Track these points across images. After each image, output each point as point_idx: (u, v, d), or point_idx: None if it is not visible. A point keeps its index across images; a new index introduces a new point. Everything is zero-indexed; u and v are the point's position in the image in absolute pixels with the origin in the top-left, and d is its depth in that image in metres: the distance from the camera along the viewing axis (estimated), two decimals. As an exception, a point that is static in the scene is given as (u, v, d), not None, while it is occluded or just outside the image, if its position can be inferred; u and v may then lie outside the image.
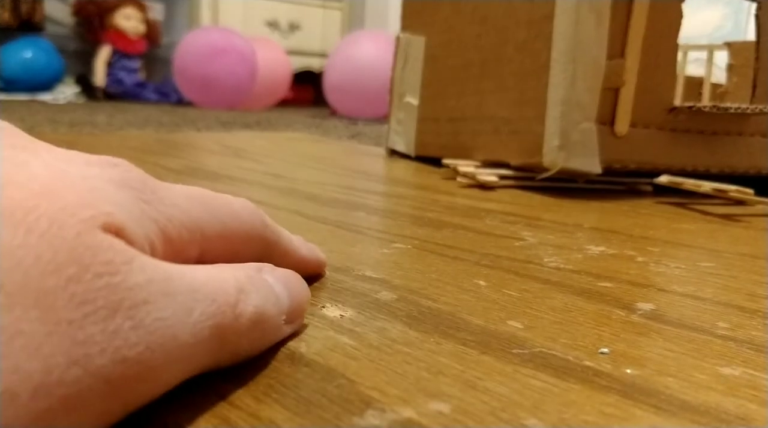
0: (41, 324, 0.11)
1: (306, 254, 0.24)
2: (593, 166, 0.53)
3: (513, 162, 0.58)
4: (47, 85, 2.17)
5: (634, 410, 0.15)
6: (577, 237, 0.35)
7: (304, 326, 0.20)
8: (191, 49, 2.00)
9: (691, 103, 0.57)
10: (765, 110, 0.58)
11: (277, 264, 0.19)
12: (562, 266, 0.29)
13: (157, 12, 2.53)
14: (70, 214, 0.12)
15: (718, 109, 0.56)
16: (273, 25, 2.60)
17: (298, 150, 0.81)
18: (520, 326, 0.21)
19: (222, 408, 0.14)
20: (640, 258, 0.31)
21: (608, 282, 0.26)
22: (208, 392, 0.15)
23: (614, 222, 0.41)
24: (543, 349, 0.19)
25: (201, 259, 0.17)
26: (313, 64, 2.65)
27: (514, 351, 0.18)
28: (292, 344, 0.18)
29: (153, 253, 0.14)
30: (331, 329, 0.20)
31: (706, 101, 0.71)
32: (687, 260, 0.31)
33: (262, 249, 0.20)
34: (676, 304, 0.24)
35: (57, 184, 0.12)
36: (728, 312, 0.23)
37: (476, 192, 0.52)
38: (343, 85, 1.94)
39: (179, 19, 2.57)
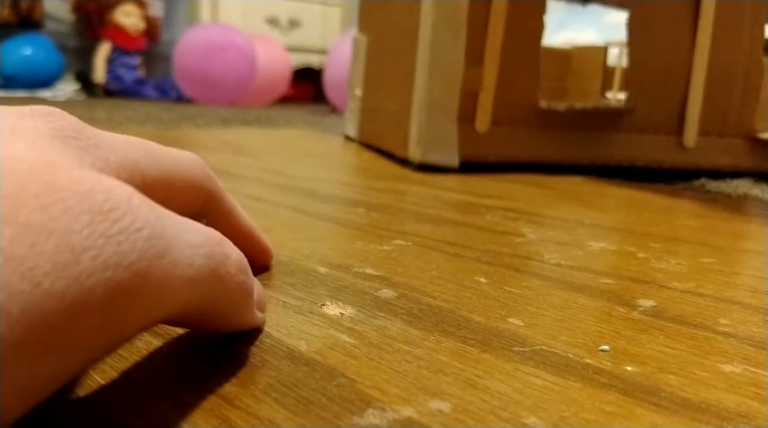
0: (20, 236, 0.10)
1: (249, 226, 0.22)
2: (451, 160, 0.61)
3: (396, 153, 0.66)
4: (47, 82, 2.16)
5: (635, 408, 0.15)
6: (578, 234, 0.35)
7: (304, 324, 0.20)
8: (191, 46, 2.00)
9: (550, 106, 0.64)
10: (621, 107, 0.65)
11: (221, 224, 0.19)
12: (562, 263, 0.29)
13: (156, 9, 2.52)
14: (10, 170, 0.12)
15: (572, 109, 0.64)
16: (273, 21, 2.59)
17: (297, 147, 0.81)
18: (521, 323, 0.21)
19: (222, 408, 0.14)
20: (641, 255, 0.31)
21: (609, 279, 0.26)
22: (208, 392, 0.15)
23: (615, 219, 0.40)
24: (543, 347, 0.19)
25: None
26: (313, 60, 2.65)
27: (514, 349, 0.18)
28: (292, 343, 0.18)
29: None
30: (331, 327, 0.20)
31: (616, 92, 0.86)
32: (688, 256, 0.31)
33: (206, 202, 0.20)
34: (677, 301, 0.24)
35: None
36: (729, 309, 0.23)
37: (477, 188, 0.52)
38: (343, 82, 1.93)
39: (179, 16, 2.56)
